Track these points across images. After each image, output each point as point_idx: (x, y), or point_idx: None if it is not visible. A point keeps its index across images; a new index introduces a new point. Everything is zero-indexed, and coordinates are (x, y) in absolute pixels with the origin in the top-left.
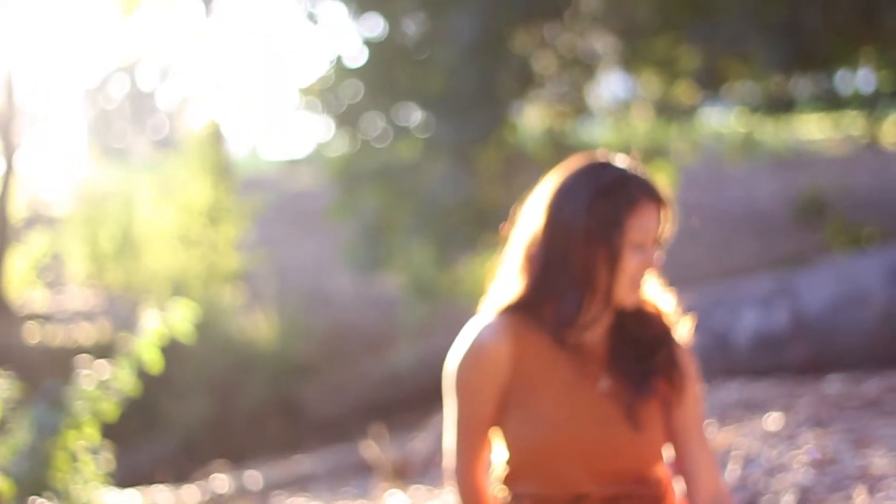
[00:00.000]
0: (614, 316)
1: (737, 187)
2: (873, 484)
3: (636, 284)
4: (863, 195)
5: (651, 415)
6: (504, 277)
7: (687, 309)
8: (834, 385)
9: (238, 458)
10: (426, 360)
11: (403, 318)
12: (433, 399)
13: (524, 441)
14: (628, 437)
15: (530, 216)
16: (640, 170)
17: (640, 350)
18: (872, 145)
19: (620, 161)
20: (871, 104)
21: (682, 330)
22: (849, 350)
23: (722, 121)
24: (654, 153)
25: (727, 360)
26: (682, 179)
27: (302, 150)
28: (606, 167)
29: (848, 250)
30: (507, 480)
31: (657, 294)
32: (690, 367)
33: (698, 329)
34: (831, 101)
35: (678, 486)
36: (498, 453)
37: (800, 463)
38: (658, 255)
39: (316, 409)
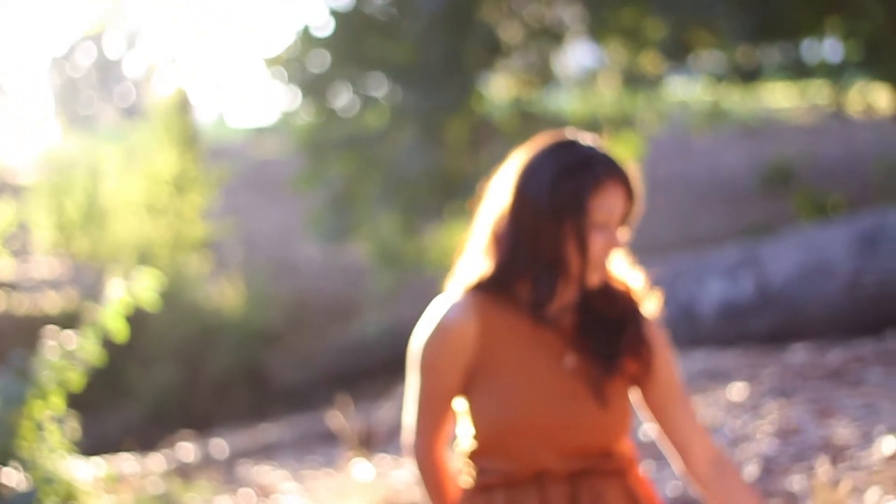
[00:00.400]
0: (581, 294)
1: (703, 156)
2: (836, 454)
3: (601, 264)
4: (829, 164)
5: (617, 391)
6: (471, 255)
7: (652, 279)
8: (798, 355)
9: (204, 425)
10: (392, 328)
11: (370, 288)
12: (399, 368)
13: (489, 418)
14: (593, 414)
15: (497, 194)
16: (606, 149)
17: (607, 327)
18: (838, 114)
19: (586, 140)
20: (837, 73)
21: (651, 306)
22: (814, 320)
23: (688, 90)
24: (620, 123)
25: (692, 330)
26: (648, 149)
27: (269, 118)
28: (572, 146)
29: (814, 219)
30: (473, 456)
31: (625, 271)
32: (661, 341)
33: (664, 299)
34: (798, 71)
35: (673, 456)
36: (463, 429)
37: (763, 433)
38: (623, 234)
39: (282, 377)
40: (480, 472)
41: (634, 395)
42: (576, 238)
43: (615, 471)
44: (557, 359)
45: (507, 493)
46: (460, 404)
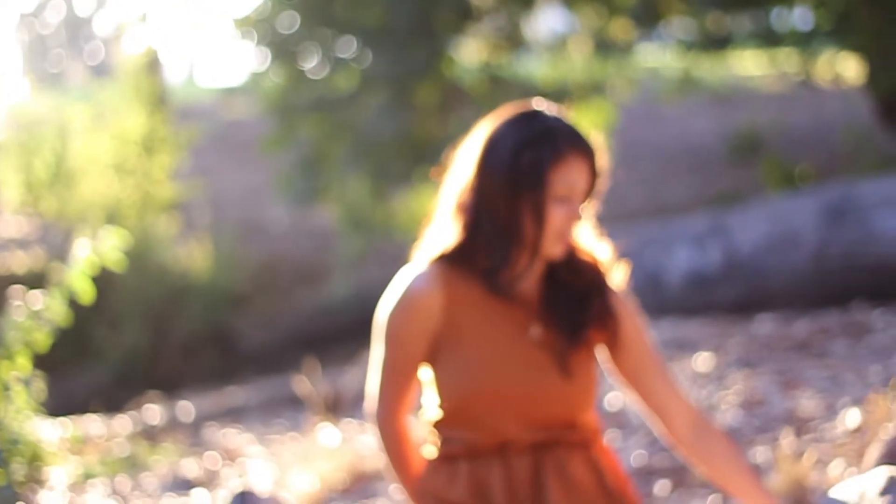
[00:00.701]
0: (547, 265)
1: (673, 124)
2: (800, 426)
3: (562, 237)
4: (798, 132)
5: (582, 363)
6: (437, 225)
7: (620, 248)
8: (764, 325)
9: (171, 387)
10: (360, 292)
11: (338, 251)
12: (366, 332)
13: (454, 388)
14: (558, 385)
15: (461, 164)
16: (571, 121)
17: (572, 299)
18: (807, 82)
19: (551, 111)
20: (805, 42)
21: (618, 277)
22: (780, 290)
23: (659, 57)
24: (590, 89)
25: (659, 298)
26: (618, 116)
27: (238, 78)
28: (535, 117)
29: (782, 189)
30: (437, 425)
31: (592, 243)
32: (629, 310)
33: (631, 268)
34: (768, 39)
35: (653, 422)
36: (429, 398)
37: (728, 404)
38: (586, 208)
39: (249, 340)
40: (445, 441)
41: (608, 365)
42: (533, 210)
43: (579, 442)
44: (523, 330)
45: (471, 463)
46: (426, 374)
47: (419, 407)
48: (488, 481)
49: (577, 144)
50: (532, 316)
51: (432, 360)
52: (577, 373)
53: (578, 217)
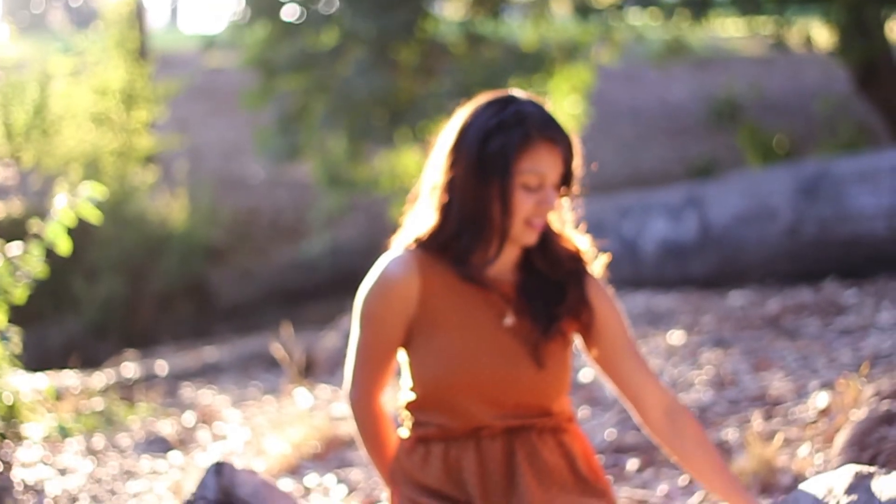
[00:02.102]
0: (523, 253)
1: (652, 86)
2: (771, 407)
3: (532, 225)
4: (776, 98)
5: (555, 353)
6: (416, 211)
7: (597, 216)
8: (737, 301)
9: (147, 340)
10: (337, 249)
11: (315, 210)
12: (342, 288)
13: (427, 373)
14: (531, 373)
15: (438, 149)
16: (545, 109)
17: (548, 288)
18: (783, 48)
19: (527, 98)
20: (781, 8)
21: (596, 266)
22: (754, 264)
23: (640, 21)
24: (571, 52)
25: (635, 268)
26: (597, 78)
27: (220, 27)
28: (507, 104)
29: (759, 159)
30: (412, 408)
31: (570, 231)
32: (606, 299)
33: (607, 237)
34: (748, 4)
35: (629, 408)
36: (405, 381)
37: (700, 383)
38: (559, 197)
39: (225, 294)
40: (419, 424)
41: (583, 352)
42: (500, 197)
43: (552, 428)
44: (498, 318)
45: (444, 447)
46: (402, 358)
47: (398, 390)
48: (461, 465)
49: (547, 132)
50: (507, 304)
51: (407, 344)
52: (549, 362)
53: (549, 205)
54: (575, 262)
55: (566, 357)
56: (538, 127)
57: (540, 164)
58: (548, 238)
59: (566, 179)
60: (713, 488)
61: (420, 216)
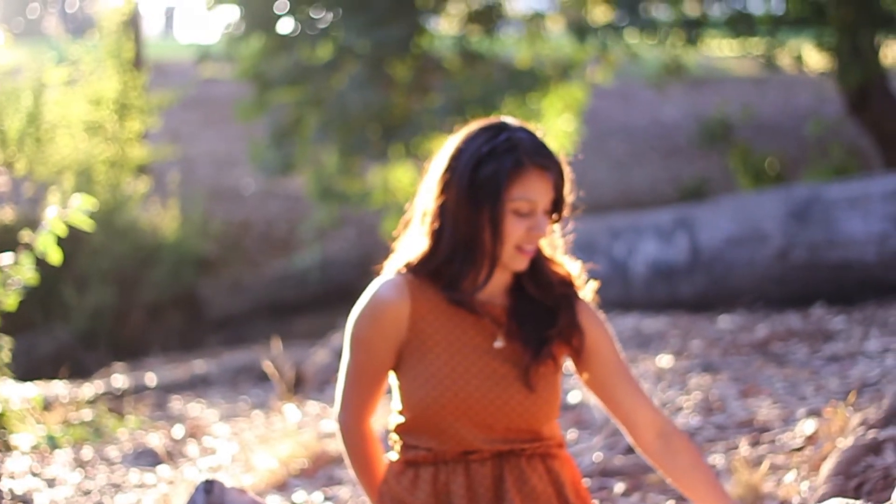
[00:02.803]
0: (514, 277)
1: (645, 105)
2: (757, 434)
3: (523, 251)
4: (769, 119)
5: (546, 376)
6: (408, 235)
7: (589, 237)
8: (726, 326)
9: (136, 350)
10: (328, 262)
11: (306, 223)
12: (332, 302)
13: (417, 397)
14: (521, 397)
15: (430, 175)
16: (537, 136)
17: (539, 313)
18: (776, 69)
19: (518, 125)
20: (774, 30)
21: (587, 291)
22: (744, 287)
23: (636, 40)
24: (565, 70)
25: (625, 290)
26: (590, 96)
27: (215, 37)
28: (500, 131)
29: (751, 181)
30: (401, 431)
31: (561, 256)
32: (597, 323)
33: (598, 259)
34: (742, 24)
35: (623, 431)
36: (395, 404)
37: (688, 408)
38: (550, 223)
39: (216, 305)
40: (408, 447)
41: (575, 375)
42: (491, 223)
43: (541, 453)
44: (488, 341)
45: (433, 470)
46: (392, 381)
47: (389, 413)
48: (450, 488)
49: (538, 159)
50: (498, 327)
51: (398, 368)
52: (539, 386)
53: (540, 231)
54: (565, 287)
55: (556, 381)
56: (529, 154)
57: (531, 192)
58: (538, 263)
59: (557, 206)
60: None
61: (412, 241)
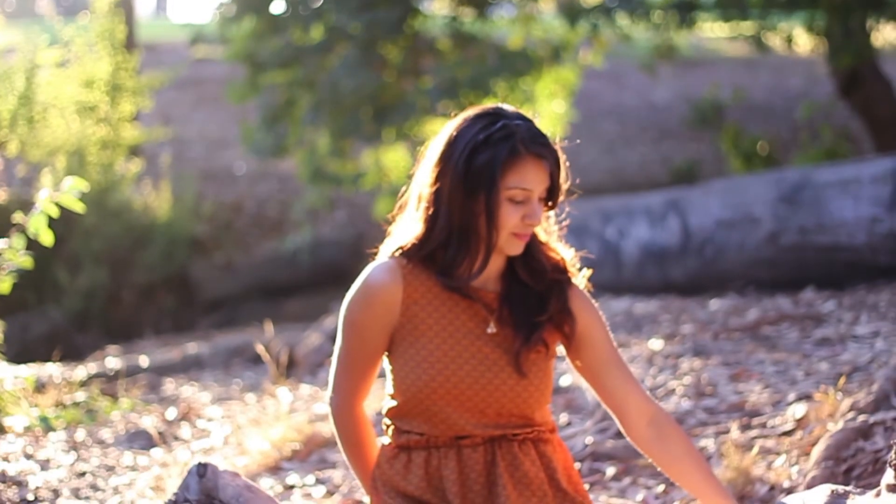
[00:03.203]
0: (507, 263)
1: (637, 87)
2: (747, 418)
3: (518, 238)
4: (760, 100)
5: (537, 362)
6: (403, 220)
7: (582, 220)
8: (717, 310)
9: (129, 331)
10: (319, 244)
11: (298, 206)
12: (324, 284)
13: (408, 382)
14: (512, 382)
15: (425, 160)
16: (532, 123)
17: (531, 299)
18: (764, 50)
19: (514, 112)
20: (766, 13)
21: (580, 279)
22: (734, 270)
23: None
24: (557, 51)
25: (617, 272)
26: (582, 78)
27: (207, 19)
28: (497, 118)
29: (742, 161)
30: (394, 416)
31: (555, 243)
32: (589, 310)
33: (590, 241)
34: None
35: (614, 418)
36: (388, 388)
37: (679, 392)
38: (543, 211)
39: (208, 287)
40: (401, 432)
41: (567, 361)
42: (486, 209)
43: (533, 438)
44: (480, 326)
45: (426, 455)
46: (385, 366)
47: (383, 397)
48: (442, 473)
49: (534, 147)
50: (490, 313)
51: (390, 352)
52: (531, 373)
53: (535, 218)
54: (558, 273)
55: (548, 367)
56: (525, 142)
57: (526, 180)
58: (531, 249)
59: (552, 193)
60: (701, 495)
61: (406, 226)
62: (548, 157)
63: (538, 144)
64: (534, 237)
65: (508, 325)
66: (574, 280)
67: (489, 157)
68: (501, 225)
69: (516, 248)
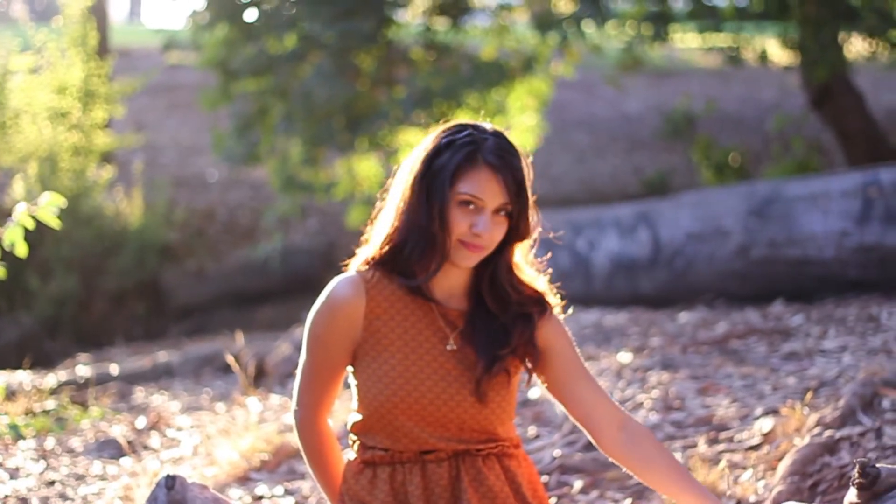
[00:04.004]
0: (474, 284)
1: (608, 96)
2: (715, 432)
3: (467, 248)
4: (732, 112)
5: (497, 386)
6: (373, 231)
7: (553, 232)
8: (686, 323)
9: (100, 338)
10: (290, 253)
11: (270, 214)
12: (295, 292)
13: (371, 397)
14: (473, 400)
15: (398, 173)
16: (501, 137)
17: (495, 328)
18: (741, 62)
19: (491, 128)
20: (739, 24)
21: (551, 305)
22: (704, 282)
23: (600, 33)
24: (529, 61)
25: (587, 284)
26: (555, 88)
27: (180, 24)
28: (468, 128)
29: (713, 173)
30: (358, 430)
31: (528, 274)
32: (556, 336)
33: (560, 253)
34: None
35: (583, 430)
36: (353, 403)
37: (646, 405)
38: (495, 225)
39: (179, 294)
40: (366, 447)
41: (534, 377)
42: (439, 213)
43: (499, 454)
44: (442, 342)
45: (390, 470)
46: (351, 380)
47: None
48: (407, 489)
49: (492, 158)
50: (453, 329)
51: (354, 367)
52: (489, 396)
53: (483, 229)
54: (525, 306)
55: (510, 390)
56: (485, 152)
57: (477, 188)
58: (498, 275)
59: (513, 216)
60: (681, 497)
61: (375, 236)
62: (504, 173)
63: (497, 157)
64: (503, 264)
65: (470, 345)
66: (547, 314)
67: (447, 159)
68: (450, 229)
69: (466, 260)
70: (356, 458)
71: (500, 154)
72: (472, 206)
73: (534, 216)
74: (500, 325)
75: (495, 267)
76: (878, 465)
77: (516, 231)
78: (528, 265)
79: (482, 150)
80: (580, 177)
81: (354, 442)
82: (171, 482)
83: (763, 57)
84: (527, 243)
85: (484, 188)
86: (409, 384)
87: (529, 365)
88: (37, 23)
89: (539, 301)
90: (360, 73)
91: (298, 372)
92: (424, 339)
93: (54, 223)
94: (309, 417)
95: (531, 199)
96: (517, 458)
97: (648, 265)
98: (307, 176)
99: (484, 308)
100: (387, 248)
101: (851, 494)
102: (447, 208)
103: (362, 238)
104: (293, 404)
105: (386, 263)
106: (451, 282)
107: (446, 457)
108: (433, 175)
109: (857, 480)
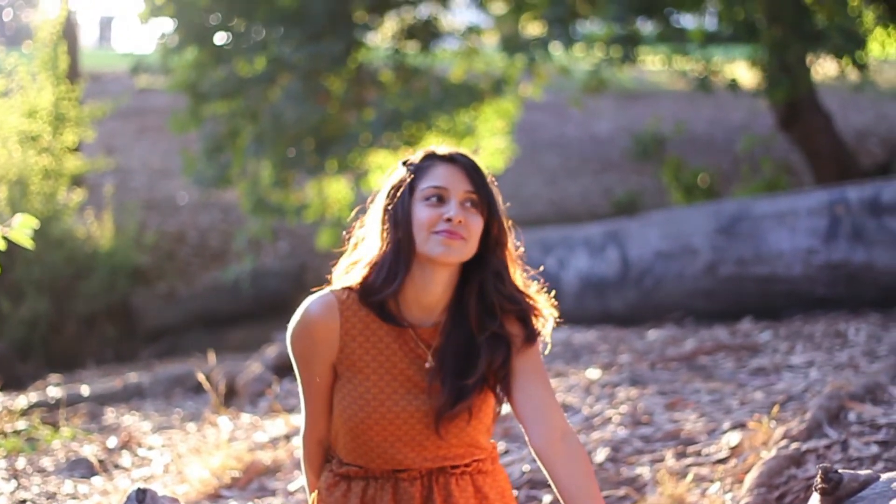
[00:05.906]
0: (457, 300)
1: (579, 120)
2: (683, 447)
3: (440, 235)
4: (701, 133)
5: (475, 405)
6: (348, 255)
7: (523, 252)
8: (655, 340)
9: (71, 361)
10: (261, 275)
11: (240, 236)
12: (266, 314)
13: (346, 417)
14: (447, 419)
15: (369, 210)
16: (464, 153)
17: (468, 349)
18: (708, 85)
19: (454, 152)
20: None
21: (535, 337)
22: (673, 300)
23: (569, 56)
24: (499, 84)
25: (556, 302)
26: (524, 111)
27: (150, 48)
28: (433, 151)
29: (682, 194)
30: (336, 446)
31: (518, 278)
32: (528, 357)
33: (531, 271)
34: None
35: (525, 431)
36: (334, 422)
37: (615, 420)
38: (466, 211)
39: (150, 316)
40: (341, 464)
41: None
42: (402, 216)
43: (475, 471)
44: (417, 361)
45: (364, 485)
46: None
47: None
48: None
49: (448, 155)
50: (427, 348)
51: (334, 384)
52: (455, 423)
53: (453, 213)
54: (505, 328)
55: (487, 406)
56: (441, 153)
57: (439, 178)
58: (485, 284)
59: (486, 215)
60: None
61: (349, 259)
62: (463, 163)
63: (453, 154)
64: (489, 270)
65: (444, 371)
66: (531, 341)
67: (409, 170)
68: (417, 225)
69: (446, 250)
70: (332, 471)
71: (456, 154)
72: (437, 199)
73: (511, 229)
74: (474, 347)
75: (482, 274)
76: (840, 471)
77: (491, 234)
78: (518, 278)
79: (441, 158)
80: (551, 198)
81: (331, 456)
82: (141, 495)
83: (733, 86)
84: (512, 252)
85: (444, 176)
86: (383, 406)
87: (501, 393)
88: (7, 47)
89: (526, 323)
90: (329, 96)
91: (299, 389)
92: (399, 360)
93: (28, 244)
94: (308, 433)
95: (501, 206)
96: (492, 475)
97: (618, 284)
98: (278, 198)
99: (462, 326)
100: (363, 276)
101: (815, 500)
102: (409, 208)
103: (332, 264)
104: (300, 419)
105: (362, 295)
106: (430, 297)
107: (419, 476)
108: (395, 187)
109: (819, 486)
